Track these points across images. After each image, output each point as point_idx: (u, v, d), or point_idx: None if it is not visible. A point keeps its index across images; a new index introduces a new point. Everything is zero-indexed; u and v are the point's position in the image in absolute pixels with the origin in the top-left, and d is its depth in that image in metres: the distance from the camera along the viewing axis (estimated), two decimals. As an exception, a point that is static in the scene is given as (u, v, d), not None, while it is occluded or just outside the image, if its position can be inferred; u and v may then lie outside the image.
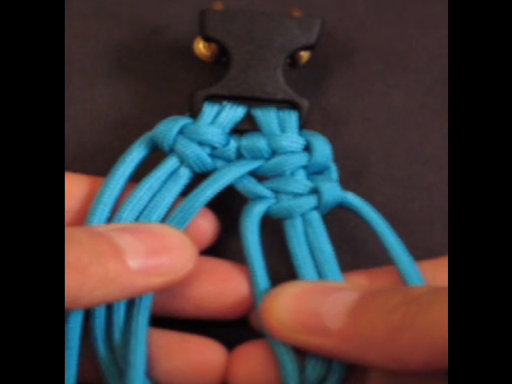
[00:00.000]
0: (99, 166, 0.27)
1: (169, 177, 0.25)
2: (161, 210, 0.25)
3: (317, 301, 0.22)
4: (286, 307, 0.22)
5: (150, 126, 0.26)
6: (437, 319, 0.19)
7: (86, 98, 0.28)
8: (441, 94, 0.28)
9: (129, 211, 0.24)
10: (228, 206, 0.26)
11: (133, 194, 0.24)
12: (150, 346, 0.24)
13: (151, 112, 0.28)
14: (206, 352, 0.25)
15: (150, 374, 0.24)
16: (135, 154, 0.25)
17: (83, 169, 0.26)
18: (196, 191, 0.24)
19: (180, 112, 0.26)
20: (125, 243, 0.22)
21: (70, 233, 0.21)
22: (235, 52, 0.25)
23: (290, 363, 0.23)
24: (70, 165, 0.27)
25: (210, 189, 0.24)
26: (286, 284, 0.23)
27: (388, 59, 0.29)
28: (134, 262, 0.22)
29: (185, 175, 0.25)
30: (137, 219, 0.24)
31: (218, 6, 0.26)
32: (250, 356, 0.24)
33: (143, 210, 0.25)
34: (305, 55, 0.27)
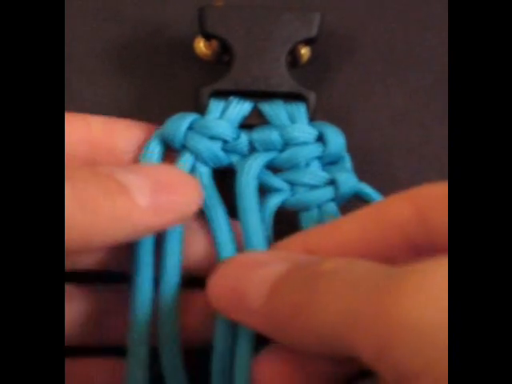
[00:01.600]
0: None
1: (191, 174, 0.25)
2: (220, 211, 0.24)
3: (244, 277, 0.21)
4: (219, 284, 0.22)
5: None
6: (322, 305, 0.19)
7: (86, 97, 0.28)
8: (442, 94, 0.28)
9: None
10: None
11: None
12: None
13: (152, 111, 0.28)
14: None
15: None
16: (153, 154, 0.25)
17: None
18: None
19: (181, 111, 0.26)
20: (130, 182, 0.21)
21: (72, 173, 0.21)
22: (237, 47, 0.25)
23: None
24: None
25: (247, 187, 0.24)
26: (227, 259, 0.23)
27: (389, 59, 0.29)
28: (142, 199, 0.21)
29: (204, 173, 0.25)
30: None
31: (218, 3, 0.26)
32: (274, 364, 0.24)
33: None
34: (305, 54, 0.27)
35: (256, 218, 0.24)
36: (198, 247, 0.25)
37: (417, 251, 0.21)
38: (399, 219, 0.21)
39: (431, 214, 0.21)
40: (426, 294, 0.17)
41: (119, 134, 0.25)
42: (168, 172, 0.23)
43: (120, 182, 0.21)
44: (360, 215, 0.23)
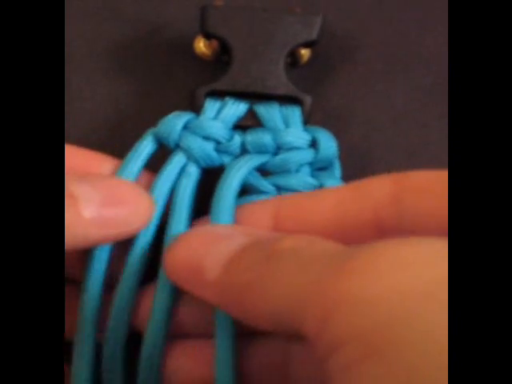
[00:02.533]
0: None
1: (179, 176, 0.25)
2: (184, 214, 0.24)
3: (203, 250, 0.21)
4: (176, 255, 0.22)
5: (150, 124, 0.26)
6: (275, 281, 0.19)
7: (86, 97, 0.28)
8: (442, 94, 0.28)
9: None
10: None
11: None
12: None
13: (151, 111, 0.28)
14: None
15: None
16: (142, 152, 0.25)
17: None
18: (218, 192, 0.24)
19: (181, 110, 0.26)
20: (81, 192, 0.21)
21: None
22: (236, 48, 0.25)
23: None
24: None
25: (230, 187, 0.24)
26: (189, 230, 0.23)
27: (389, 59, 0.29)
28: (88, 212, 0.21)
29: (194, 172, 0.25)
30: (160, 225, 0.24)
31: (219, 3, 0.26)
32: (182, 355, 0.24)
33: (164, 215, 0.25)
34: (305, 54, 0.27)
35: (227, 219, 0.24)
36: None
37: (383, 232, 0.21)
38: (375, 197, 0.22)
39: (405, 195, 0.21)
40: (372, 271, 0.17)
41: (93, 166, 0.25)
42: (121, 185, 0.23)
43: (70, 191, 0.21)
44: (338, 189, 0.23)
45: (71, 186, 0.21)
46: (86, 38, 0.28)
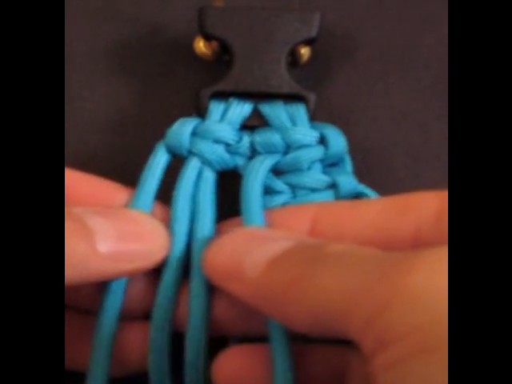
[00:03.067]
0: (99, 165, 0.27)
1: (197, 182, 0.25)
2: (209, 218, 0.24)
3: (247, 248, 0.21)
4: (216, 253, 0.22)
5: (150, 124, 0.26)
6: (319, 282, 0.19)
7: (86, 97, 0.28)
8: (441, 93, 0.28)
9: (178, 226, 0.24)
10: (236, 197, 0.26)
11: (174, 209, 0.24)
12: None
13: (151, 111, 0.28)
14: None
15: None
16: (157, 167, 0.25)
17: (83, 168, 0.26)
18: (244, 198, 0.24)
19: (181, 111, 0.26)
20: (97, 226, 0.21)
21: None
22: (237, 48, 0.25)
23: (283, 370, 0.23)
24: (69, 164, 0.27)
25: (253, 192, 0.24)
26: (233, 229, 0.22)
27: (389, 58, 0.29)
28: (103, 246, 0.21)
29: (210, 176, 0.25)
30: (190, 234, 0.24)
31: (218, 3, 0.26)
32: (234, 360, 0.24)
33: (192, 223, 0.24)
34: (305, 54, 0.27)
35: (260, 223, 0.24)
36: None
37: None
38: (418, 213, 0.21)
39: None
40: (426, 269, 0.17)
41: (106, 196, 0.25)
42: (139, 220, 0.23)
43: (87, 225, 0.21)
44: (381, 201, 0.23)
45: (87, 219, 0.21)
46: (86, 38, 0.28)
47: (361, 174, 0.27)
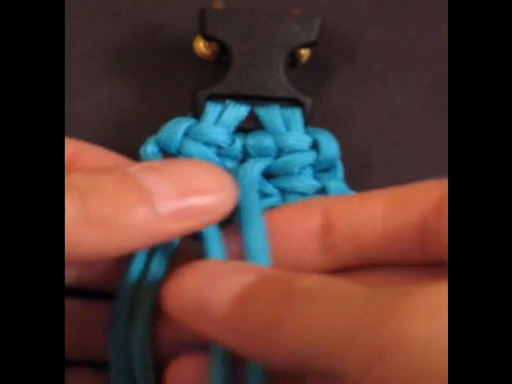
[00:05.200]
0: (99, 165, 0.27)
1: None
2: None
3: (210, 284, 0.20)
4: (178, 292, 0.20)
5: (149, 124, 0.26)
6: (303, 322, 0.18)
7: (86, 97, 0.28)
8: (441, 94, 0.28)
9: None
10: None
11: None
12: None
13: (151, 111, 0.28)
14: None
15: None
16: (146, 159, 0.25)
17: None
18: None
19: (181, 111, 0.26)
20: (154, 185, 0.20)
21: (92, 182, 0.20)
22: (236, 50, 0.25)
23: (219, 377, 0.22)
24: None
25: (250, 190, 0.24)
26: (192, 264, 0.20)
27: (388, 58, 0.29)
28: (164, 207, 0.20)
29: None
30: None
31: (218, 5, 0.26)
32: (184, 370, 0.23)
33: None
34: (305, 54, 0.27)
35: (260, 221, 0.23)
36: None
37: (424, 245, 0.21)
38: (423, 205, 0.21)
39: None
40: (425, 311, 0.16)
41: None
42: (199, 172, 0.21)
43: (143, 186, 0.20)
44: (388, 192, 0.22)
45: (145, 179, 0.20)
46: (86, 38, 0.28)
47: (360, 174, 0.27)
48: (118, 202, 0.20)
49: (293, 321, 0.18)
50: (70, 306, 0.25)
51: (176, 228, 0.21)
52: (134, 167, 0.21)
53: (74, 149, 0.25)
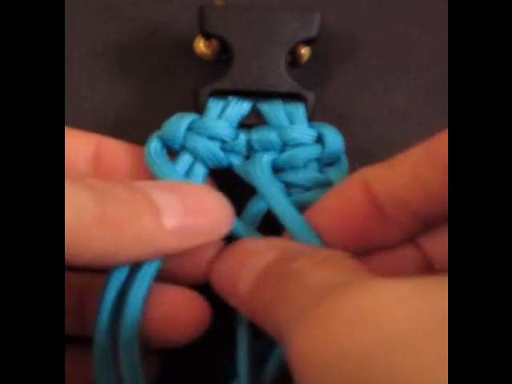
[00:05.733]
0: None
1: (186, 176, 0.25)
2: None
3: (237, 265, 0.22)
4: (218, 271, 0.23)
5: (150, 124, 0.26)
6: (285, 301, 0.19)
7: (86, 97, 0.28)
8: (441, 94, 0.28)
9: None
10: (236, 195, 0.26)
11: None
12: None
13: (151, 111, 0.28)
14: (189, 303, 0.24)
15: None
16: (156, 155, 0.25)
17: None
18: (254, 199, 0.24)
19: (181, 111, 0.26)
20: (163, 201, 0.21)
21: (108, 187, 0.21)
22: (237, 47, 0.25)
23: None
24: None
25: (263, 175, 0.24)
26: (232, 244, 0.23)
27: (389, 58, 0.29)
28: (169, 222, 0.21)
29: (201, 173, 0.25)
30: None
31: (218, 2, 0.26)
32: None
33: None
34: (305, 54, 0.27)
35: (284, 198, 0.24)
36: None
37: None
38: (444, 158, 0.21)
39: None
40: (328, 330, 0.17)
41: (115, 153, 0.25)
42: (203, 193, 0.23)
43: (152, 200, 0.21)
44: (412, 155, 0.22)
45: (154, 194, 0.21)
46: (86, 38, 0.28)
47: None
48: (130, 209, 0.21)
49: (279, 301, 0.19)
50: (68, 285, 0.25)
51: (177, 243, 0.22)
52: (144, 183, 0.22)
53: (97, 145, 0.25)
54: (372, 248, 0.24)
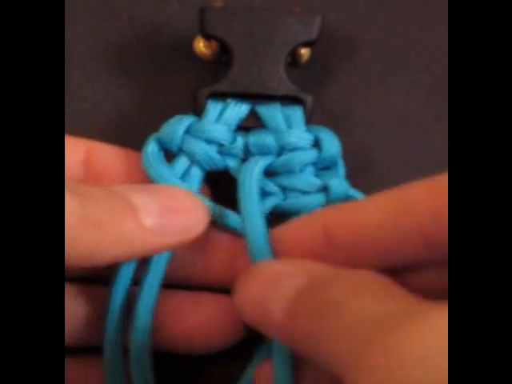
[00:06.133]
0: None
1: (182, 178, 0.25)
2: None
3: (267, 290, 0.21)
4: (244, 299, 0.22)
5: (149, 124, 0.26)
6: (333, 334, 0.18)
7: (86, 97, 0.28)
8: (441, 94, 0.28)
9: None
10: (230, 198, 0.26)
11: None
12: (161, 307, 0.25)
13: (151, 111, 0.28)
14: (220, 308, 0.25)
15: (158, 336, 0.24)
16: (153, 157, 0.25)
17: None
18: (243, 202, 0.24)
19: (181, 111, 0.26)
20: (140, 202, 0.22)
21: (87, 190, 0.21)
22: (236, 49, 0.25)
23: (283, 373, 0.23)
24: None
25: (250, 191, 0.24)
26: (252, 268, 0.22)
27: (389, 58, 0.29)
28: (148, 221, 0.22)
29: (197, 175, 0.25)
30: None
31: (218, 4, 0.26)
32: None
33: None
34: (305, 54, 0.27)
35: (260, 221, 0.24)
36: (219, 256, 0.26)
37: (428, 243, 0.21)
38: (415, 207, 0.21)
39: (445, 208, 0.20)
40: (389, 363, 0.17)
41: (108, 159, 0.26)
42: (177, 194, 0.24)
43: (130, 201, 0.22)
44: (379, 199, 0.22)
45: (131, 196, 0.22)
46: (86, 38, 0.28)
47: (360, 174, 0.27)
48: (110, 210, 0.22)
49: (324, 333, 0.19)
50: (82, 293, 0.26)
51: (158, 243, 0.23)
52: (121, 187, 0.23)
53: (88, 151, 0.26)
54: None
